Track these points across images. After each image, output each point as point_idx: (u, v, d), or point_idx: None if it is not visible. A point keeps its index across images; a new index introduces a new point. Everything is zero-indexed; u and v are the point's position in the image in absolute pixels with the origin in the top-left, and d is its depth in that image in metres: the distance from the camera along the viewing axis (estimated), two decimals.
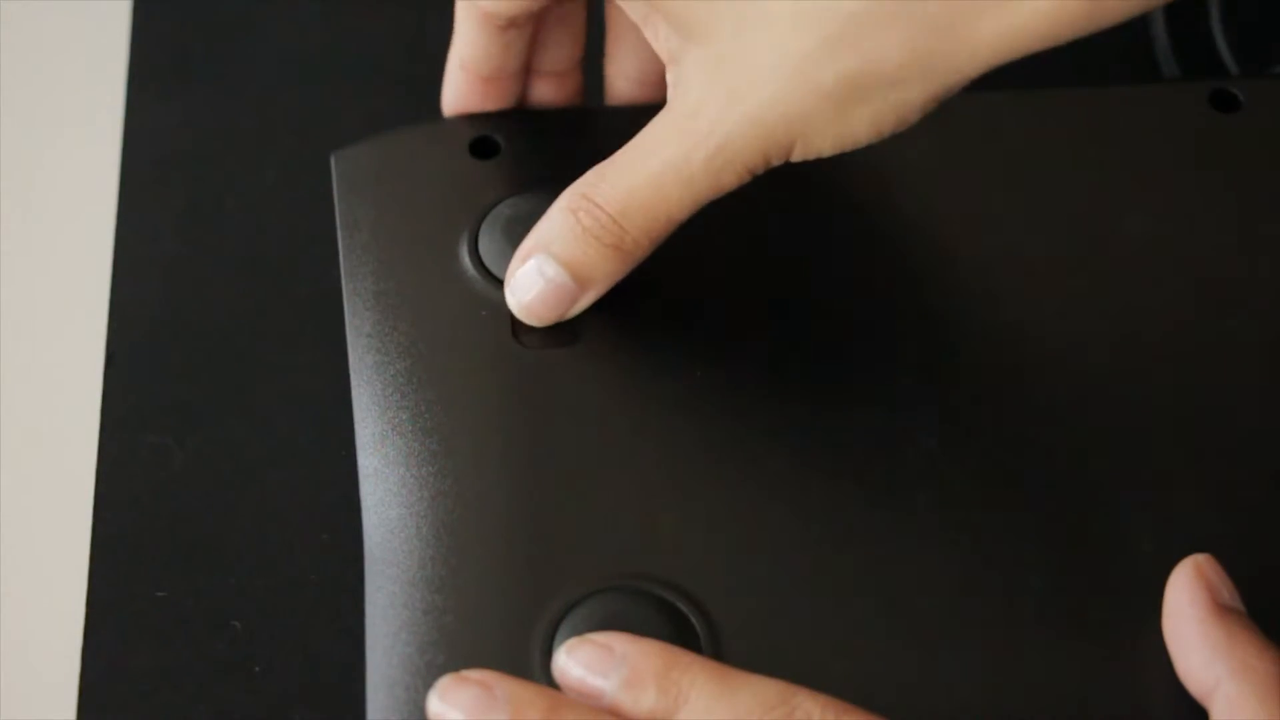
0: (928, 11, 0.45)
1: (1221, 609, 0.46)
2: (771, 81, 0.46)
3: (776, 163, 0.47)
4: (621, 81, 0.55)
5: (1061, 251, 0.53)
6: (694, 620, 0.47)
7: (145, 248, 0.58)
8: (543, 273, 0.49)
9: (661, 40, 0.48)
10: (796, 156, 0.47)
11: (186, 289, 0.57)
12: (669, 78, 0.48)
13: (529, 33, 0.53)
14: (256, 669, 0.50)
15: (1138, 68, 0.62)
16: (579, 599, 0.47)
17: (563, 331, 0.51)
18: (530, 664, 0.46)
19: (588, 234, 0.48)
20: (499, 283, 0.52)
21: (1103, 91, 0.57)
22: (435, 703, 0.43)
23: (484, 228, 0.53)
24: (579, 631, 0.45)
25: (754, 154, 0.47)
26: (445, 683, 0.43)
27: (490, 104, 0.54)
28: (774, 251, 0.53)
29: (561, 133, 0.55)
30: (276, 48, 0.62)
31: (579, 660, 0.43)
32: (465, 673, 0.43)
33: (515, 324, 0.51)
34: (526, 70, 0.54)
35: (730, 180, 0.48)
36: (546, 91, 0.55)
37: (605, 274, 0.49)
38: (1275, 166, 0.55)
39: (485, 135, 0.54)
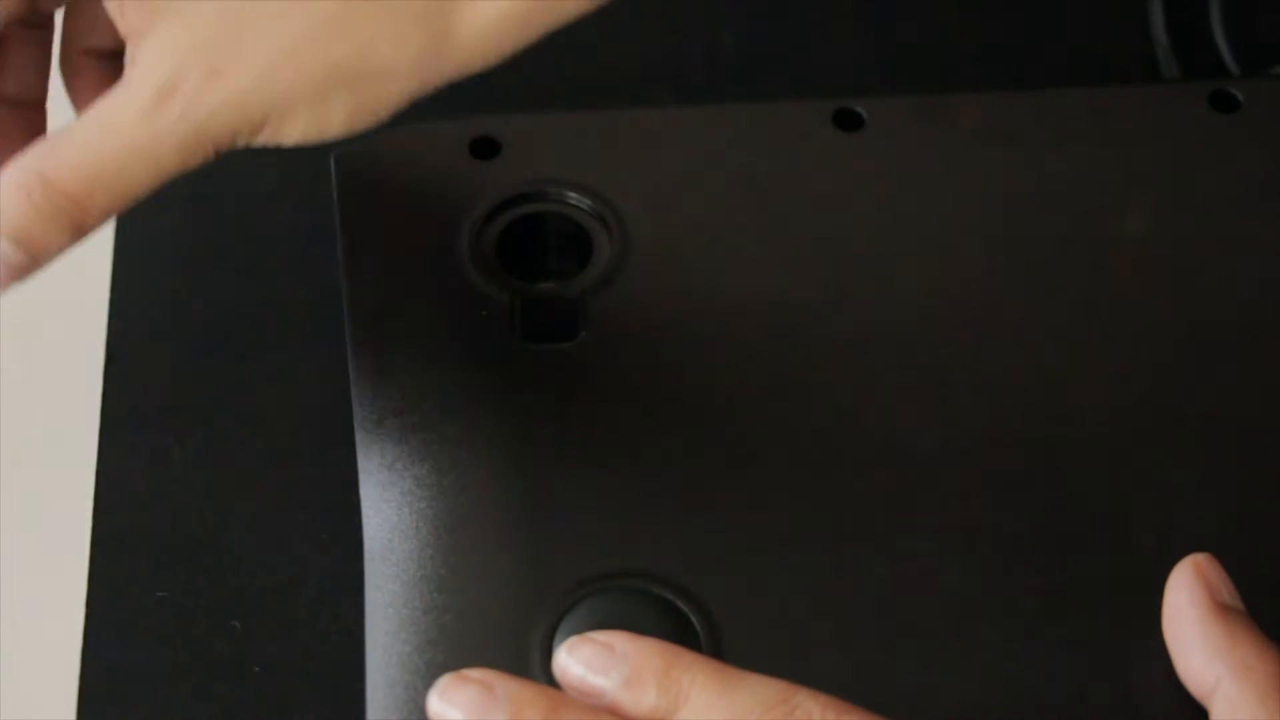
0: (413, 7, 0.45)
1: (1221, 609, 0.46)
2: (258, 63, 0.45)
3: (242, 145, 0.46)
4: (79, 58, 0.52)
5: (1061, 252, 0.53)
6: (694, 619, 0.47)
7: (145, 248, 0.58)
8: None
9: (124, 20, 0.47)
10: (261, 140, 0.46)
11: (186, 289, 0.57)
12: (129, 54, 0.47)
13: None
14: (256, 669, 0.50)
15: (1138, 68, 0.62)
16: (579, 598, 0.47)
17: (563, 330, 0.51)
18: (530, 663, 0.46)
19: (42, 214, 0.46)
20: (499, 282, 0.52)
21: (1103, 91, 0.57)
22: (435, 702, 0.43)
23: (485, 229, 0.53)
24: (579, 630, 0.45)
25: (226, 135, 0.46)
26: (445, 682, 0.43)
27: None
28: (774, 251, 0.53)
29: (562, 133, 0.55)
30: None
31: (579, 659, 0.43)
32: (465, 672, 0.43)
33: (515, 322, 0.51)
34: None
35: (197, 160, 0.46)
36: (5, 125, 0.51)
37: (59, 248, 0.46)
38: (1275, 166, 0.55)
39: (485, 135, 0.54)
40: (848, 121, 0.55)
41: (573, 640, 0.44)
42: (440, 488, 0.49)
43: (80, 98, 0.52)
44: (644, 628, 0.45)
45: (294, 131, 0.46)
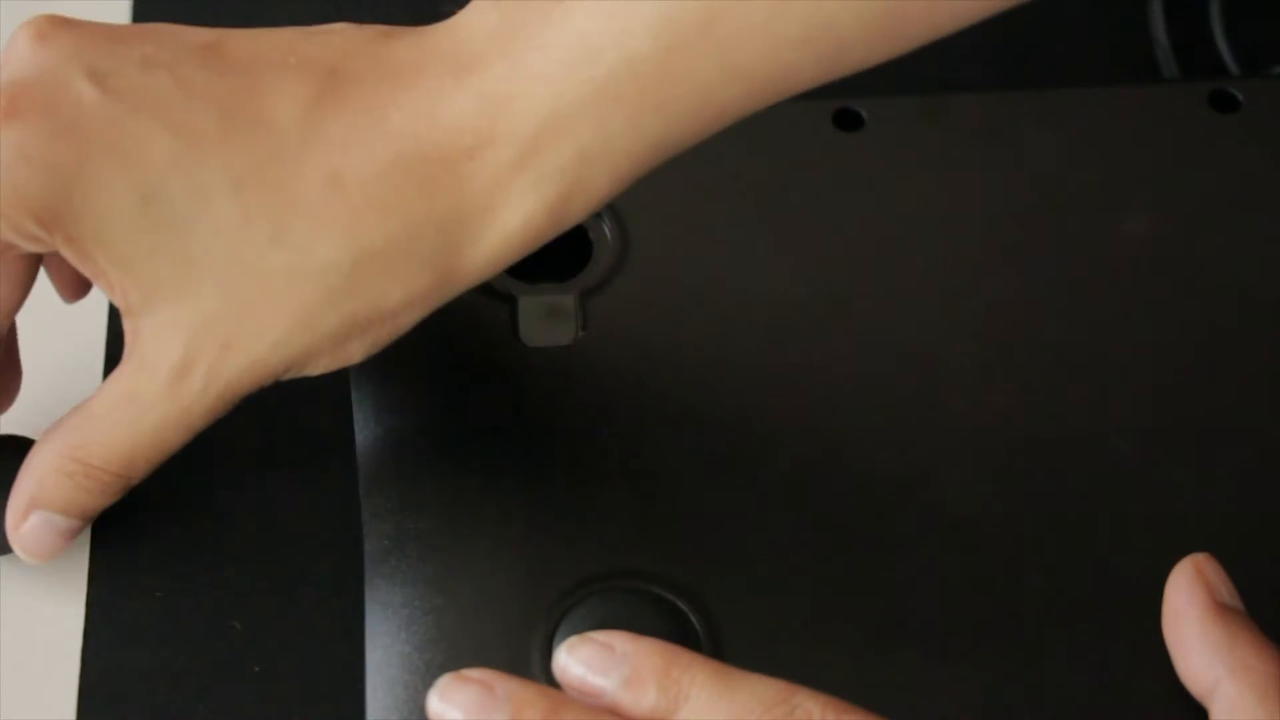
0: (421, 254, 0.46)
1: (1221, 609, 0.46)
2: (273, 330, 0.46)
3: (265, 385, 0.48)
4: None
5: (1061, 251, 0.53)
6: (694, 619, 0.47)
7: None
8: (53, 526, 0.49)
9: (124, 296, 0.47)
10: (286, 378, 0.48)
11: None
12: (131, 328, 0.47)
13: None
14: (256, 669, 0.50)
15: (1138, 68, 0.62)
16: (579, 598, 0.47)
17: (564, 331, 0.51)
18: (530, 663, 0.46)
19: (90, 492, 0.48)
20: (499, 282, 0.52)
21: (1103, 91, 0.57)
22: (435, 702, 0.43)
23: None
24: (579, 630, 0.45)
25: (248, 390, 0.47)
26: (445, 682, 0.43)
27: None
28: (774, 251, 0.53)
29: None
30: None
31: (579, 659, 0.43)
32: (465, 671, 0.43)
33: (516, 323, 0.51)
34: None
35: (223, 411, 0.48)
36: None
37: (108, 504, 0.49)
38: (1275, 166, 0.55)
39: None
40: (848, 121, 0.55)
41: (573, 640, 0.44)
42: (440, 488, 0.49)
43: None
44: (644, 628, 0.45)
45: (315, 370, 0.48)
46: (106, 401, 0.48)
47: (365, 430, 0.50)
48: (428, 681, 0.44)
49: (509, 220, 0.46)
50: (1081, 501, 0.49)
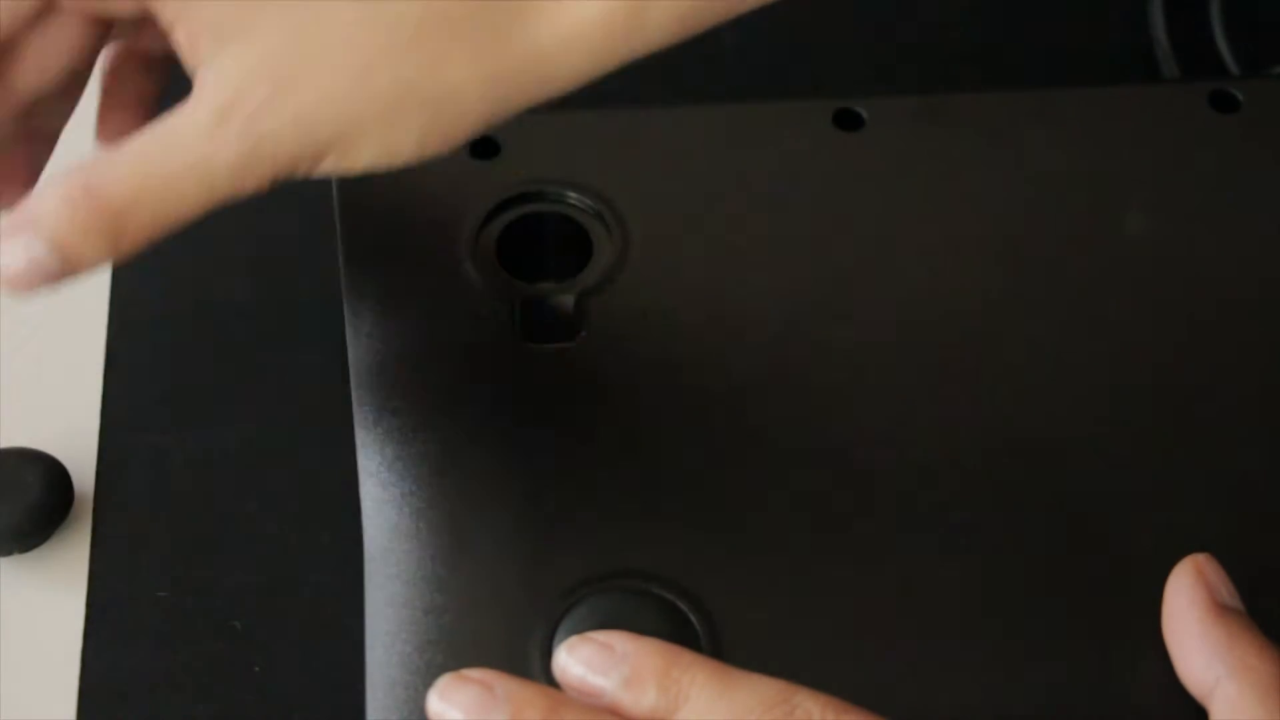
0: (494, 22, 0.43)
1: (1221, 609, 0.46)
2: (325, 77, 0.43)
3: (301, 174, 0.44)
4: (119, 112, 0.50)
5: (1061, 252, 0.53)
6: (694, 619, 0.47)
7: (145, 248, 0.57)
8: (29, 251, 0.44)
9: (191, 44, 0.45)
10: (325, 168, 0.44)
11: (186, 289, 0.57)
12: (197, 82, 0.44)
13: None
14: (256, 669, 0.50)
15: (1138, 68, 0.62)
16: (579, 598, 0.47)
17: (564, 330, 0.51)
18: (530, 663, 0.46)
19: (83, 226, 0.44)
20: (499, 282, 0.52)
21: (1103, 91, 0.57)
22: (435, 702, 0.43)
23: (485, 229, 0.53)
24: (579, 630, 0.45)
25: (288, 158, 0.44)
26: (445, 682, 0.43)
27: None
28: (775, 251, 0.53)
29: (562, 133, 0.55)
30: None
31: (579, 659, 0.43)
32: (465, 672, 0.43)
33: (516, 322, 0.51)
34: None
35: (252, 186, 0.44)
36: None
37: (94, 260, 0.45)
38: (1275, 166, 0.55)
39: (485, 135, 0.54)
40: (848, 121, 0.55)
41: (573, 640, 0.44)
42: (440, 488, 0.49)
43: (109, 108, 0.50)
44: (644, 628, 0.45)
45: (361, 157, 0.44)
46: (139, 137, 0.45)
47: (365, 430, 0.50)
48: (428, 681, 0.44)
49: (586, 7, 0.43)
50: (1081, 501, 0.49)
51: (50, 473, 0.52)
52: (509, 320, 0.52)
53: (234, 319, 0.56)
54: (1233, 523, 0.49)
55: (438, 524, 0.48)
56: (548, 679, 0.45)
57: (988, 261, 0.53)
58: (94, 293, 0.56)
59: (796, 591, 0.48)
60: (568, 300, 0.52)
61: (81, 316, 0.55)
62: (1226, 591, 0.46)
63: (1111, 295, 0.53)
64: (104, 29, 0.47)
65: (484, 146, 0.54)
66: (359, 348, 0.51)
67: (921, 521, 0.49)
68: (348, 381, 0.52)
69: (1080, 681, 0.47)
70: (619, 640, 0.44)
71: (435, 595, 0.47)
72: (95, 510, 0.53)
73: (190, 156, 0.43)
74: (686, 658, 0.43)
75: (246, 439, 0.53)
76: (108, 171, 0.44)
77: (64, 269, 0.44)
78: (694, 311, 0.52)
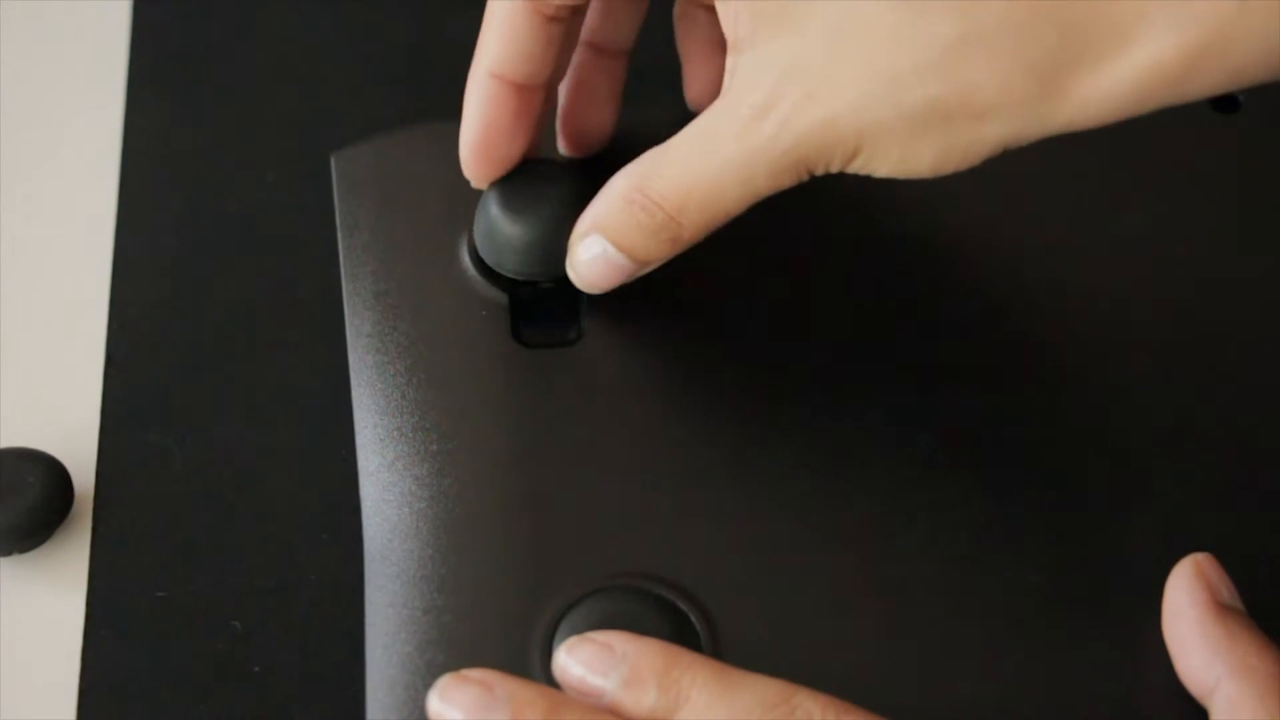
0: (1032, 54, 0.43)
1: (1221, 608, 0.46)
2: (855, 90, 0.44)
3: (834, 170, 0.46)
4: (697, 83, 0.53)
5: (1061, 252, 0.53)
6: (694, 619, 0.47)
7: (145, 248, 0.57)
8: (605, 255, 0.48)
9: (735, 23, 0.46)
10: (852, 168, 0.46)
11: (186, 289, 0.57)
12: (729, 64, 0.46)
13: (576, 27, 0.51)
14: (256, 669, 0.50)
15: None
16: (579, 598, 0.47)
17: (563, 331, 0.51)
18: (530, 663, 0.46)
19: (643, 226, 0.47)
20: (499, 282, 0.52)
21: None
22: (435, 702, 0.43)
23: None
24: (579, 630, 0.45)
25: (819, 158, 0.45)
26: (445, 682, 0.43)
27: (526, 119, 0.50)
28: (775, 252, 0.53)
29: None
30: (276, 48, 0.62)
31: (579, 659, 0.43)
32: (465, 672, 0.43)
33: (515, 324, 0.51)
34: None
35: (788, 181, 0.46)
36: (589, 75, 0.52)
37: (659, 257, 0.48)
38: (1275, 167, 0.55)
39: None
40: None
41: (572, 640, 0.44)
42: (440, 488, 0.49)
43: (686, 49, 0.53)
44: (644, 628, 0.45)
45: (882, 165, 0.45)
46: (683, 136, 0.47)
47: (365, 430, 0.50)
48: (428, 681, 0.44)
49: (1138, 55, 0.42)
50: (1082, 501, 0.49)
51: (50, 473, 0.52)
52: (508, 320, 0.51)
53: (234, 319, 0.56)
54: (1233, 523, 0.49)
55: (438, 524, 0.48)
56: (548, 679, 0.45)
57: (987, 261, 0.53)
58: (94, 293, 0.56)
59: (796, 592, 0.48)
60: (568, 300, 0.52)
61: (81, 316, 0.55)
62: (1226, 591, 0.46)
63: (1111, 295, 0.53)
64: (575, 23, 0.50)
65: None
66: (359, 348, 0.51)
67: (921, 521, 0.49)
68: (348, 381, 0.52)
69: (1080, 681, 0.47)
70: (619, 640, 0.44)
71: (435, 595, 0.47)
72: (95, 510, 0.53)
73: (732, 158, 0.46)
74: (686, 658, 0.43)
75: (246, 439, 0.53)
76: (659, 172, 0.47)
77: (634, 268, 0.48)
78: (694, 311, 0.52)
